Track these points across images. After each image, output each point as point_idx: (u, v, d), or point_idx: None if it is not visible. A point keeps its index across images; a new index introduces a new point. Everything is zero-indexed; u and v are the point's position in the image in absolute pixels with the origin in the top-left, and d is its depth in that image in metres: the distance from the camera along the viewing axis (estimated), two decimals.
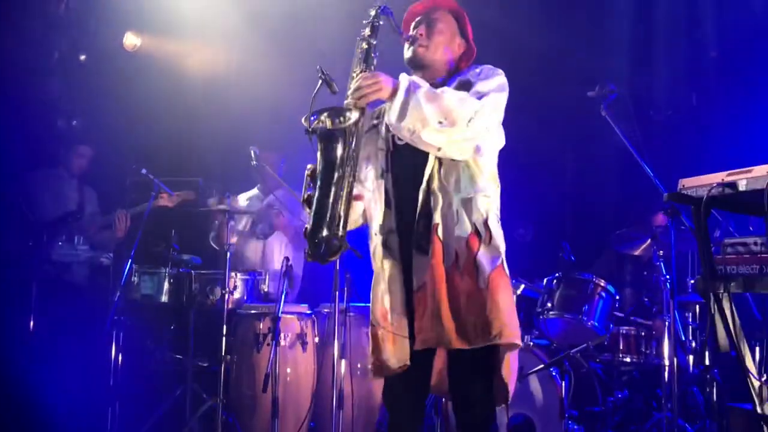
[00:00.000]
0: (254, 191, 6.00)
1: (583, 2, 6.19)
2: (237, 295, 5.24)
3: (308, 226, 2.82)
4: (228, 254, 5.09)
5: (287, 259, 4.91)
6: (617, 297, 5.20)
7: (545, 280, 5.30)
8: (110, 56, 7.06)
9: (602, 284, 5.12)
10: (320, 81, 2.87)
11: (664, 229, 4.99)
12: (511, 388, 2.99)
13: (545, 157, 6.26)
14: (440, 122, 2.79)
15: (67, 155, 6.03)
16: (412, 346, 2.96)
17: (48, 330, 4.96)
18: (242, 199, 5.93)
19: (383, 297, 3.05)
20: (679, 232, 4.52)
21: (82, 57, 7.01)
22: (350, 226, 2.97)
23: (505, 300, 2.92)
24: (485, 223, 2.96)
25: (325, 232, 2.78)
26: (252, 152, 5.31)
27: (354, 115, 2.80)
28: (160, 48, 7.16)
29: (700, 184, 2.91)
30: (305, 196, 2.92)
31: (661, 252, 4.98)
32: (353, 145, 2.81)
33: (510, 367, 2.98)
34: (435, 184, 2.97)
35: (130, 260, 5.13)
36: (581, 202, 6.55)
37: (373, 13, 2.97)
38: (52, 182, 5.97)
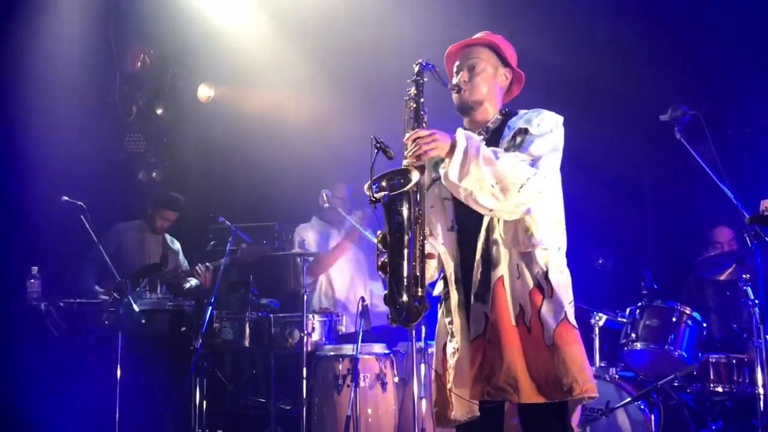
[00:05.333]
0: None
1: (650, 24, 6.07)
2: (315, 337, 5.27)
3: (387, 292, 2.81)
4: (305, 297, 5.13)
5: (363, 299, 4.94)
6: (704, 324, 5.02)
7: (628, 310, 5.16)
8: (185, 108, 7.29)
9: (688, 312, 4.96)
10: (376, 150, 2.86)
11: (743, 247, 4.80)
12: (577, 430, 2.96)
13: (622, 185, 6.14)
14: (492, 185, 2.79)
15: (152, 216, 6.12)
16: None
17: (134, 378, 5.06)
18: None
19: (446, 346, 3.05)
20: (765, 255, 4.36)
21: (159, 110, 7.26)
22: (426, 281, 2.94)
23: (572, 354, 2.86)
24: (546, 276, 2.92)
25: (404, 297, 2.75)
26: (324, 195, 5.39)
27: (414, 176, 2.77)
28: (233, 98, 7.36)
29: None
30: (379, 263, 2.88)
31: (747, 275, 4.80)
32: (418, 205, 2.80)
33: (577, 414, 2.94)
34: (495, 235, 2.95)
35: (210, 307, 5.23)
36: (661, 229, 6.39)
37: (416, 69, 2.97)
38: (136, 234, 6.12)
